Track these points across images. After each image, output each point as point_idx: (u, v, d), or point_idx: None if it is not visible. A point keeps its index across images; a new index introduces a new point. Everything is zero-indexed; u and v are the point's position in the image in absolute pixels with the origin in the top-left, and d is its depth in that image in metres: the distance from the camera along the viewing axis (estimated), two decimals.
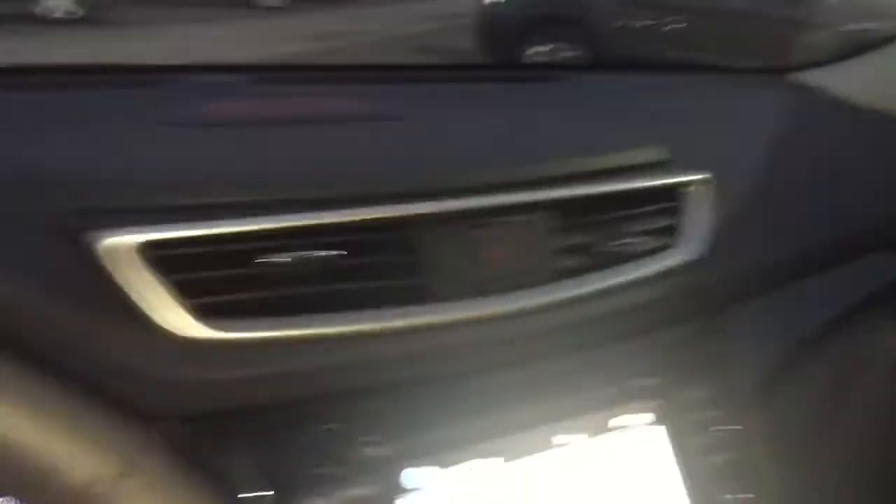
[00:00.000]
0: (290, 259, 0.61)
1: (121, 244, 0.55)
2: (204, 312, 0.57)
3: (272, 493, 0.60)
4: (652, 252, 0.75)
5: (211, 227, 0.59)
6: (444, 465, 0.66)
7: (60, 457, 0.33)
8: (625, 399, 0.75)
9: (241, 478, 0.59)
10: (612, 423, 0.74)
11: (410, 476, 0.64)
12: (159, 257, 0.56)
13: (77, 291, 0.55)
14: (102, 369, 0.55)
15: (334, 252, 0.62)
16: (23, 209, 0.55)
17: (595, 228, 0.73)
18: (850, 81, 0.97)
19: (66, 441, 0.33)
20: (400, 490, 0.63)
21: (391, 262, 0.65)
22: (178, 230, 0.58)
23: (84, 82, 0.80)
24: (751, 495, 0.78)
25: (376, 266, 0.64)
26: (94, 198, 0.57)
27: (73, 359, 0.54)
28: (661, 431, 0.76)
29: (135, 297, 0.56)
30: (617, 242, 0.74)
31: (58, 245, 0.55)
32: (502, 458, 0.68)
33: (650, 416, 0.76)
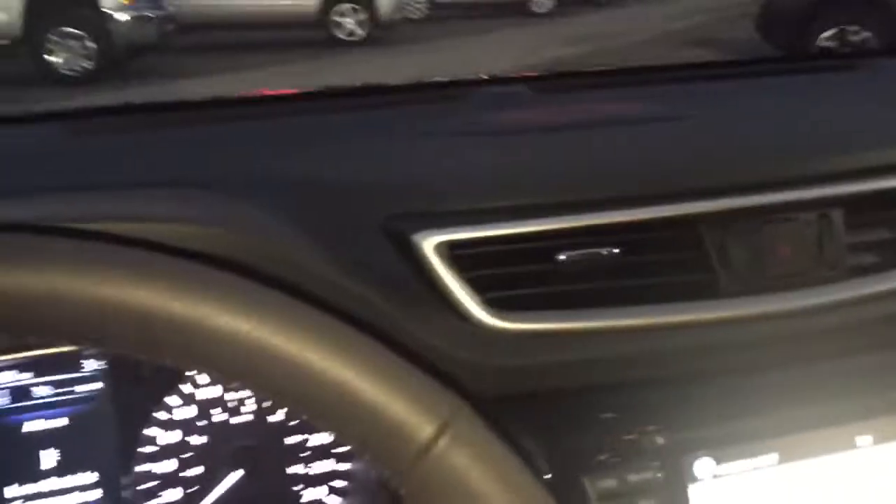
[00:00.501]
0: (578, 256, 0.66)
1: (430, 243, 0.63)
2: (499, 305, 0.64)
3: (551, 475, 0.64)
4: None
5: (504, 227, 0.65)
6: (722, 459, 0.66)
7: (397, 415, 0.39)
8: None
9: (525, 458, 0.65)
10: None
11: (689, 467, 0.65)
12: (458, 255, 0.63)
13: (396, 283, 0.64)
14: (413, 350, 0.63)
15: (621, 249, 0.66)
16: (355, 215, 0.65)
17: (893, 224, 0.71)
18: None
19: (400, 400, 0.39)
20: (678, 480, 0.65)
21: (679, 259, 0.67)
22: (475, 231, 0.65)
23: (387, 101, 0.91)
24: None
25: (664, 263, 0.67)
26: (413, 203, 0.66)
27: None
28: None
29: (441, 290, 0.63)
30: None
31: (380, 244, 0.64)
32: (781, 457, 0.67)
33: None
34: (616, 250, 0.66)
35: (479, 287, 0.64)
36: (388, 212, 0.65)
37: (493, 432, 0.39)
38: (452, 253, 0.64)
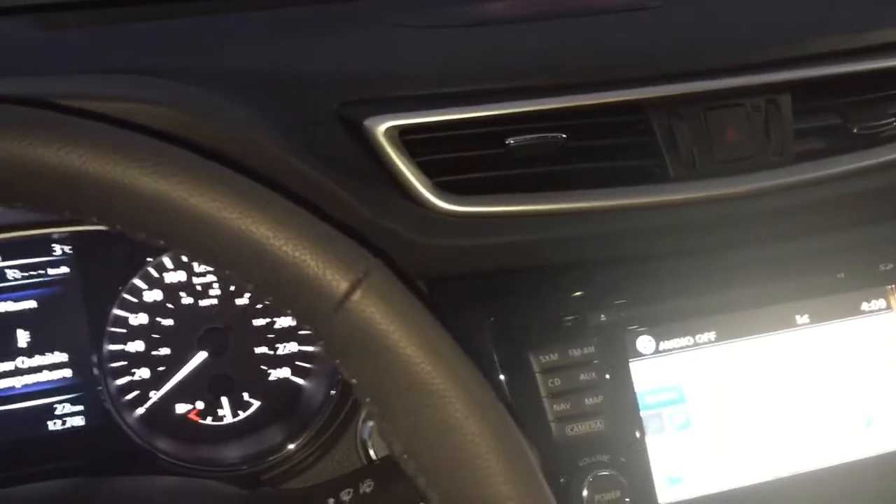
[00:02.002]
0: (527, 141, 0.67)
1: (381, 128, 0.64)
2: (448, 188, 0.65)
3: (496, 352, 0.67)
4: None
5: (453, 112, 0.66)
6: (662, 336, 0.69)
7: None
8: (879, 283, 0.73)
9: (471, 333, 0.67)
10: (864, 307, 0.73)
11: (630, 343, 0.68)
12: (408, 140, 0.65)
13: (351, 167, 0.65)
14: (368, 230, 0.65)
15: (569, 134, 0.67)
16: (312, 103, 0.66)
17: (849, 109, 0.71)
18: None
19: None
20: (618, 356, 0.68)
21: (627, 144, 0.68)
22: (425, 116, 0.66)
23: None
24: None
25: (612, 148, 0.68)
26: (364, 91, 0.67)
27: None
28: None
29: (393, 174, 0.65)
30: (872, 124, 0.72)
31: (335, 130, 0.66)
32: (740, 333, 0.70)
33: None
34: (564, 135, 0.67)
35: (429, 171, 0.65)
36: (342, 99, 0.66)
37: (408, 290, 0.41)
38: (403, 138, 0.65)
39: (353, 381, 0.39)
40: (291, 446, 0.76)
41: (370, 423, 0.71)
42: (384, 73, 0.69)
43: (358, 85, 0.68)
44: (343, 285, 0.38)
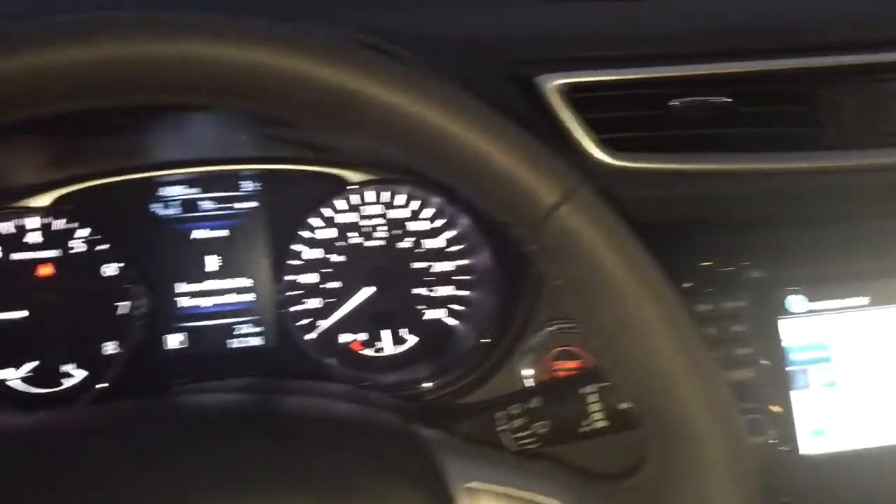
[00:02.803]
0: (690, 103, 0.70)
1: (552, 85, 0.69)
2: (613, 145, 0.69)
3: None
4: None
5: (622, 73, 0.70)
6: (814, 297, 0.71)
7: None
8: None
9: None
10: None
11: (781, 301, 0.70)
12: (577, 98, 0.69)
13: (520, 122, 0.70)
14: None
15: (733, 99, 0.70)
16: (487, 62, 0.71)
17: None
18: None
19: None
20: (769, 311, 0.70)
21: (788, 112, 0.71)
22: (594, 75, 0.70)
23: None
24: None
25: (774, 114, 0.71)
26: (537, 50, 0.72)
27: None
28: None
29: (561, 129, 0.69)
30: None
31: (507, 87, 0.70)
32: (872, 300, 0.71)
33: None
34: (727, 99, 0.70)
35: (596, 127, 0.69)
36: (515, 57, 0.71)
37: (613, 210, 0.45)
38: (572, 95, 0.69)
39: (558, 282, 0.43)
40: (440, 383, 0.82)
41: (528, 357, 0.76)
42: (555, 35, 0.73)
43: (529, 46, 0.72)
44: (555, 196, 0.43)
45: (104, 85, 0.37)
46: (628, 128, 0.70)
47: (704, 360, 0.42)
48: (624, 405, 0.53)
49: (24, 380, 0.77)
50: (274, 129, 0.76)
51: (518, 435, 0.56)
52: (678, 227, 0.71)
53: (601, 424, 0.54)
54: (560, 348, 0.74)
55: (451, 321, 0.84)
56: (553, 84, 0.69)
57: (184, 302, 0.80)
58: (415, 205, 0.84)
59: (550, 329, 0.75)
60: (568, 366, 0.74)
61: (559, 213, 0.42)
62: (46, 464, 0.42)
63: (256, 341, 0.82)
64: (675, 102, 0.70)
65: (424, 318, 0.84)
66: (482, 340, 0.80)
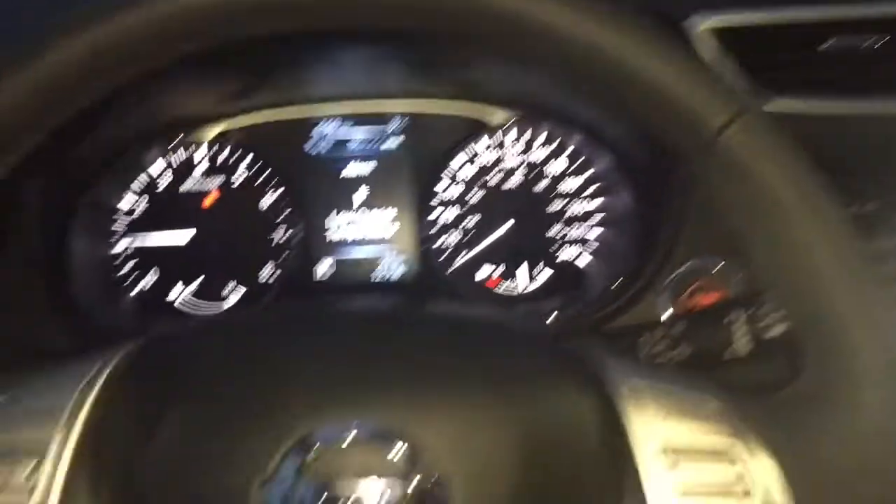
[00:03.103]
0: (842, 44, 0.70)
1: (704, 25, 0.70)
2: (766, 86, 0.70)
3: None
4: None
5: (773, 14, 0.70)
6: None
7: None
8: None
9: None
10: None
11: None
12: (729, 39, 0.69)
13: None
14: None
15: (886, 41, 0.69)
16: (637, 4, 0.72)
17: None
18: None
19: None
20: None
21: None
22: (745, 16, 0.70)
23: None
24: None
25: None
26: None
27: None
28: None
29: (714, 69, 0.70)
30: None
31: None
32: None
33: None
34: (881, 42, 0.69)
35: (748, 68, 0.70)
36: None
37: (780, 134, 0.46)
38: (724, 36, 0.70)
39: (721, 201, 0.45)
40: (574, 316, 0.84)
41: (665, 293, 0.78)
42: None
43: None
44: (724, 116, 0.44)
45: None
46: (782, 70, 0.71)
47: (864, 272, 0.43)
48: (771, 333, 0.54)
49: (187, 299, 0.84)
50: (425, 65, 0.79)
51: (659, 361, 0.58)
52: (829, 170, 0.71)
53: (745, 351, 0.56)
54: (698, 283, 0.76)
55: (587, 259, 0.86)
56: (706, 24, 0.70)
57: (334, 231, 0.85)
58: (554, 144, 0.86)
59: (689, 265, 0.76)
60: (706, 300, 0.75)
61: (728, 133, 0.44)
62: (250, 342, 0.46)
63: (399, 272, 0.86)
64: (826, 44, 0.70)
65: (560, 255, 0.87)
66: (615, 280, 0.82)
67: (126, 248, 0.83)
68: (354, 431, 0.40)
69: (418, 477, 0.39)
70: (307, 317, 0.49)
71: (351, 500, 0.38)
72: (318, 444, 0.39)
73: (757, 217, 0.45)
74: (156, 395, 0.43)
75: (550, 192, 0.86)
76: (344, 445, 0.40)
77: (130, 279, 0.83)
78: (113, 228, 0.82)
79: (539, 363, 0.47)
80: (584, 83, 0.47)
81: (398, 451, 0.39)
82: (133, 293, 0.83)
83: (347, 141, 0.86)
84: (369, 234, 0.86)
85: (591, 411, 0.43)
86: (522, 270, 0.86)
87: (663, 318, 0.76)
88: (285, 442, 0.40)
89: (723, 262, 0.75)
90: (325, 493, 0.38)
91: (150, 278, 0.83)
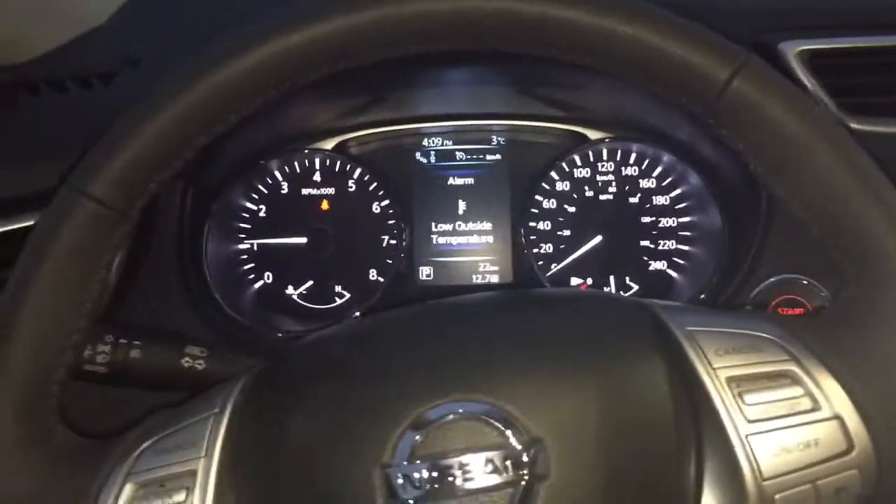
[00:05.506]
0: None
1: (795, 51, 0.74)
2: (852, 110, 0.73)
3: None
4: None
5: (862, 40, 0.74)
6: None
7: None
8: None
9: None
10: None
11: None
12: (818, 64, 0.73)
13: None
14: None
15: None
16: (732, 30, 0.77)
17: None
18: None
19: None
20: None
21: None
22: (836, 42, 0.74)
23: None
24: None
25: None
26: (780, 18, 0.76)
27: None
28: None
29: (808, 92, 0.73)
30: None
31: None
32: None
33: None
34: None
35: (836, 92, 0.73)
36: (759, 25, 0.76)
37: (782, 76, 0.49)
38: (814, 61, 0.74)
39: (740, 146, 0.49)
40: None
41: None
42: (798, 4, 0.77)
43: (772, 15, 0.77)
44: (726, 71, 0.48)
45: (470, 30, 0.48)
46: (867, 93, 0.74)
47: (882, 186, 0.48)
48: None
49: (301, 296, 0.91)
50: (526, 87, 0.85)
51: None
52: None
53: None
54: (782, 297, 0.79)
55: (673, 273, 0.90)
56: (796, 50, 0.74)
57: (437, 239, 0.92)
58: (645, 162, 0.91)
59: (772, 280, 0.79)
60: (790, 314, 0.78)
61: (732, 86, 0.48)
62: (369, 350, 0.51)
63: (496, 279, 0.92)
64: None
65: (648, 269, 0.91)
66: (701, 295, 0.86)
67: (249, 248, 0.91)
68: (460, 409, 0.45)
69: (519, 446, 0.44)
70: (408, 313, 0.55)
71: (460, 472, 0.43)
72: (428, 424, 0.45)
73: (777, 156, 0.49)
74: (279, 410, 0.48)
75: (641, 207, 0.91)
76: (451, 423, 0.45)
77: (252, 275, 0.91)
78: (239, 229, 0.91)
79: (609, 323, 0.51)
80: (594, 64, 0.51)
81: (499, 424, 0.44)
82: (255, 287, 0.91)
83: (452, 154, 0.93)
84: (469, 241, 0.92)
85: (661, 359, 0.47)
86: (612, 282, 0.91)
87: None
88: (399, 426, 0.45)
89: (806, 280, 0.78)
90: (437, 469, 0.43)
91: (268, 276, 0.91)
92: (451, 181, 0.92)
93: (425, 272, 0.92)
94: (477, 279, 0.92)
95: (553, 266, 0.91)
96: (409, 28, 0.48)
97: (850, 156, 0.48)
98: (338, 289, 0.91)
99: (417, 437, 0.44)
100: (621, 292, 0.90)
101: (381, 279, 0.91)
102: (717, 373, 0.46)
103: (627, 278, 0.91)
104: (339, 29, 0.49)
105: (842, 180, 0.47)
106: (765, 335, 0.48)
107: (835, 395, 0.45)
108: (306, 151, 0.91)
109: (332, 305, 0.91)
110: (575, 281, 0.91)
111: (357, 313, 0.89)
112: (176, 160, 0.51)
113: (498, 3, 0.48)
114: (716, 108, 0.49)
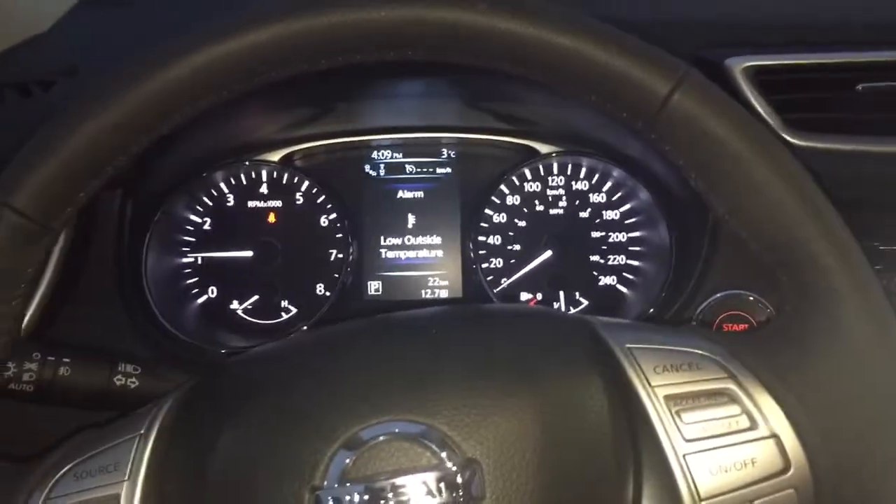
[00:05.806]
0: (876, 87, 0.73)
1: (740, 67, 0.74)
2: (797, 126, 0.73)
3: None
4: None
5: (808, 57, 0.74)
6: None
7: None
8: None
9: None
10: None
11: None
12: (764, 80, 0.73)
13: None
14: None
15: None
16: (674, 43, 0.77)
17: None
18: None
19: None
20: None
21: None
22: (781, 59, 0.74)
23: None
24: None
25: None
26: (726, 34, 0.77)
27: None
28: None
29: (749, 110, 0.73)
30: None
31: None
32: None
33: None
34: None
35: (781, 108, 0.73)
36: (705, 40, 0.76)
37: (722, 91, 0.49)
38: (759, 77, 0.74)
39: (680, 162, 0.49)
40: None
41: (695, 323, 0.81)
42: (744, 19, 0.78)
43: (718, 30, 0.77)
44: (666, 86, 0.48)
45: (407, 40, 0.47)
46: (812, 110, 0.74)
47: (822, 200, 0.47)
48: None
49: (246, 311, 0.89)
50: (477, 100, 0.85)
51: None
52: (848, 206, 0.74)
53: None
54: (728, 313, 0.79)
55: (623, 289, 0.90)
56: (742, 66, 0.74)
57: (387, 253, 0.91)
58: (596, 177, 0.91)
59: (718, 296, 0.79)
60: (735, 329, 0.78)
61: (672, 101, 0.48)
62: (321, 362, 0.50)
63: (445, 294, 0.91)
64: (861, 87, 0.74)
65: (598, 284, 0.90)
66: (650, 310, 0.86)
67: (193, 261, 0.89)
68: (396, 429, 0.44)
69: (454, 468, 0.43)
70: (349, 328, 0.53)
71: (393, 495, 0.42)
72: (361, 444, 0.43)
73: (715, 172, 0.49)
74: (207, 429, 0.47)
75: (591, 222, 0.90)
76: (385, 443, 0.43)
77: (196, 290, 0.89)
78: (183, 242, 0.89)
79: (549, 341, 0.50)
80: (535, 76, 0.50)
81: (434, 445, 0.43)
82: (198, 302, 0.89)
83: (402, 167, 0.91)
84: (419, 256, 0.91)
85: (600, 377, 0.47)
86: (562, 297, 0.90)
87: None
88: (331, 446, 0.43)
89: (752, 296, 0.78)
90: (370, 492, 0.42)
91: (212, 291, 0.89)
92: (400, 194, 0.91)
93: (374, 287, 0.91)
94: (426, 294, 0.91)
95: (503, 281, 0.90)
96: (328, 40, 0.48)
97: (788, 172, 0.48)
98: (284, 303, 0.90)
99: (349, 459, 0.43)
100: (571, 308, 0.90)
101: (328, 294, 0.89)
102: (654, 391, 0.46)
103: (577, 293, 0.90)
104: (254, 43, 0.48)
105: (779, 196, 0.47)
106: (703, 353, 0.48)
107: (772, 414, 0.45)
108: (252, 163, 0.89)
109: (279, 321, 0.90)
110: (525, 296, 0.90)
111: (304, 328, 0.87)
112: (104, 170, 0.49)
113: (439, 13, 0.47)
114: (655, 123, 0.49)
